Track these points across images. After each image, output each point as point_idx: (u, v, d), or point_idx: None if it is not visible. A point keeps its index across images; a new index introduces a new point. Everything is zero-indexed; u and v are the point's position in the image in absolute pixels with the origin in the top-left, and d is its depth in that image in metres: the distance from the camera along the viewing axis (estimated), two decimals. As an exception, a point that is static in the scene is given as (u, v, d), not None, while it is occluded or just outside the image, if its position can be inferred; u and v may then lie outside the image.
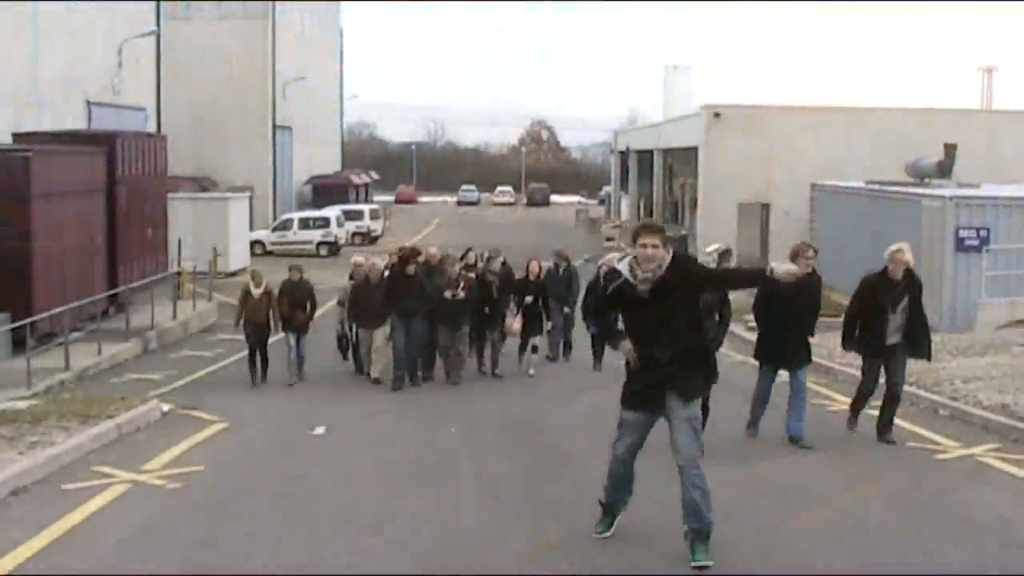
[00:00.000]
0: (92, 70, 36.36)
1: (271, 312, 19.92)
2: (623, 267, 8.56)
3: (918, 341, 12.84)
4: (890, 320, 12.67)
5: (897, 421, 13.64)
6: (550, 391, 18.58)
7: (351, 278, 20.15)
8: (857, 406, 13.56)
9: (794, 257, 12.45)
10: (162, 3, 43.17)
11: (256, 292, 19.94)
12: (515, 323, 19.67)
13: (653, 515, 9.44)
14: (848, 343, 13.25)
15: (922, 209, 28.47)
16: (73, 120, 34.48)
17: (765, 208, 41.73)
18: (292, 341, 19.94)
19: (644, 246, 8.34)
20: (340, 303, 20.61)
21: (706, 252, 12.55)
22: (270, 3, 61.55)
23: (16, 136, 28.35)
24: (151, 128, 40.62)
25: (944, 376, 17.05)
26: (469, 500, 10.71)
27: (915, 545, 9.03)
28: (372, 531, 9.54)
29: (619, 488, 9.03)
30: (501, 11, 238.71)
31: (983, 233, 26.79)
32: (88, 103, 36.17)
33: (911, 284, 12.74)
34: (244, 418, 15.96)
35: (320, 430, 14.85)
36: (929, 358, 13.20)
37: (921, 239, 27.55)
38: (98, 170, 27.23)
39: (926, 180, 32.64)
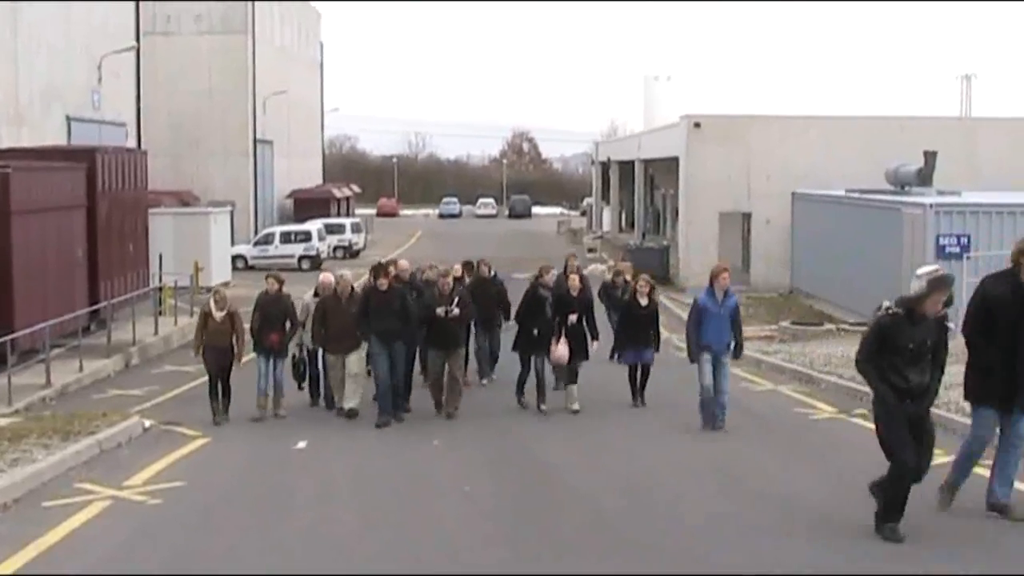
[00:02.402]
0: (72, 85, 36.22)
1: (235, 338, 17.12)
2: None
3: None
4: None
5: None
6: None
7: (316, 294, 17.86)
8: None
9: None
10: (142, 18, 43.05)
11: (218, 315, 16.96)
12: (561, 348, 16.53)
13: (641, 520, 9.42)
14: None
15: (903, 217, 28.55)
16: (53, 135, 34.33)
17: (746, 217, 41.80)
18: (263, 366, 17.19)
19: None
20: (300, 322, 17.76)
21: (917, 275, 9.14)
22: (250, 17, 61.49)
23: (-5, 152, 28.22)
24: (131, 143, 40.41)
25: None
26: (451, 513, 10.68)
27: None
28: (353, 547, 9.50)
29: None
30: (481, 24, 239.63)
31: (964, 240, 26.86)
32: (68, 118, 36.00)
33: None
34: (225, 433, 15.89)
35: (302, 444, 14.80)
36: None
37: (902, 247, 27.63)
38: (78, 185, 27.09)
39: (906, 188, 32.71)
